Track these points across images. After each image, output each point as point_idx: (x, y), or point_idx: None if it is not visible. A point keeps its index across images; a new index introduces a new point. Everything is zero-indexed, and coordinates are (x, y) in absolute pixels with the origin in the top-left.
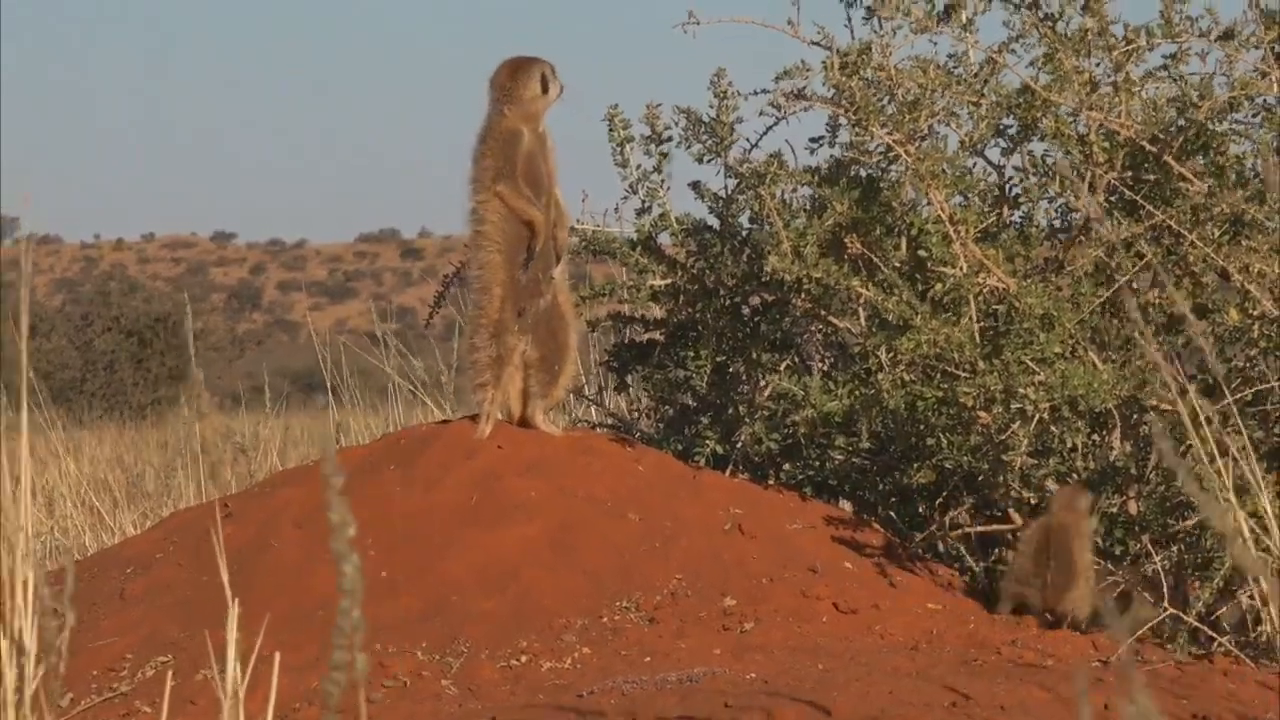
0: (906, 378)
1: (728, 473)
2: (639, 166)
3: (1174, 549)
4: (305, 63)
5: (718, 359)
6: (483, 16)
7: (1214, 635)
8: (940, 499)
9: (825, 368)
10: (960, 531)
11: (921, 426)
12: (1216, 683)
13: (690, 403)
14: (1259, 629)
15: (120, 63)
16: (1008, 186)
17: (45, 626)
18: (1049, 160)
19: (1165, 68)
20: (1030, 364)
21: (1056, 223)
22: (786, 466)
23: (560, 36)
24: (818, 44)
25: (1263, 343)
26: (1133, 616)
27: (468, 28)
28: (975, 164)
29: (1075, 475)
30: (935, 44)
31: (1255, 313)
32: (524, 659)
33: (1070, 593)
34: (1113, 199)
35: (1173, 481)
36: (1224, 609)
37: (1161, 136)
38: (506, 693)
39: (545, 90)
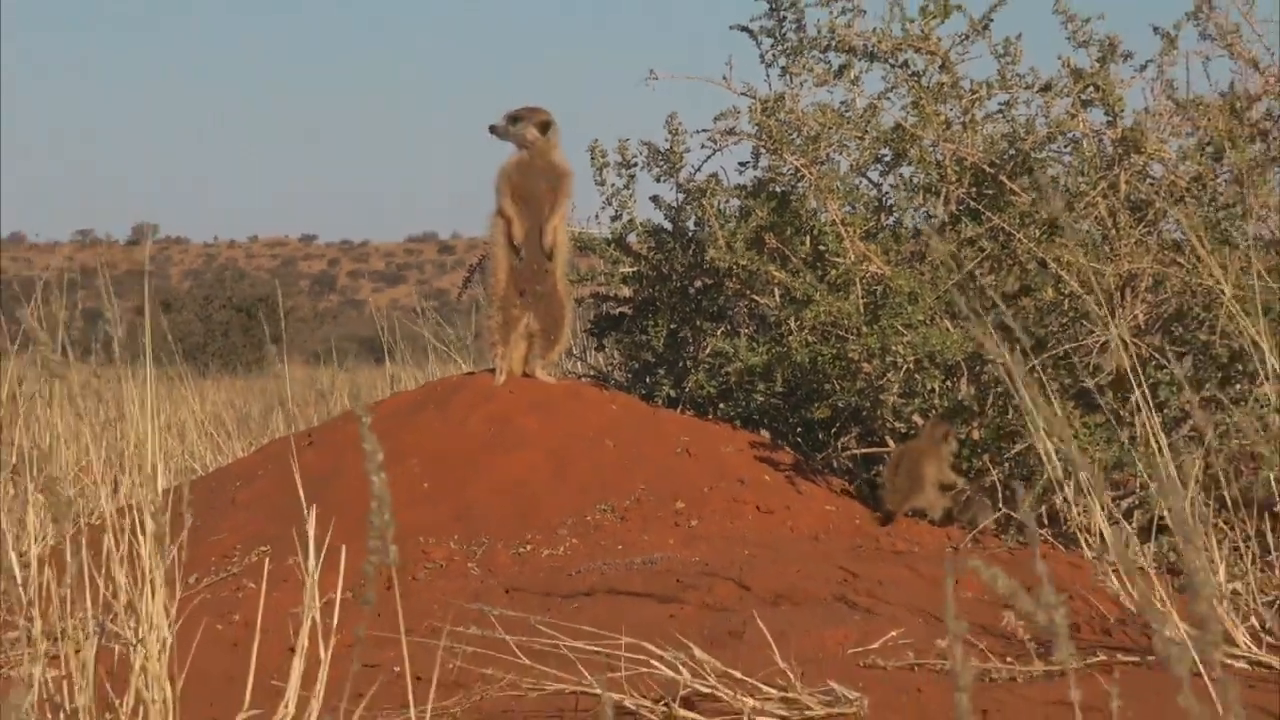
0: (810, 339)
1: (679, 410)
2: (612, 185)
3: (1006, 465)
4: (373, 106)
5: (671, 326)
6: (510, 73)
7: (1037, 527)
8: (834, 429)
9: (750, 332)
10: (849, 453)
11: (820, 375)
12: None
13: (651, 359)
14: (1066, 524)
15: (237, 98)
16: (884, 199)
17: (173, 524)
18: (914, 181)
19: (1001, 111)
20: (900, 329)
21: (920, 225)
22: (722, 405)
23: (569, 84)
24: (745, 94)
25: (1071, 313)
26: (975, 515)
27: (501, 79)
28: (860, 182)
29: (934, 411)
30: (831, 94)
31: (1066, 291)
32: (529, 548)
33: (913, 497)
34: (961, 207)
35: (1004, 415)
36: (1043, 509)
37: (997, 162)
38: (516, 572)
39: (523, 131)
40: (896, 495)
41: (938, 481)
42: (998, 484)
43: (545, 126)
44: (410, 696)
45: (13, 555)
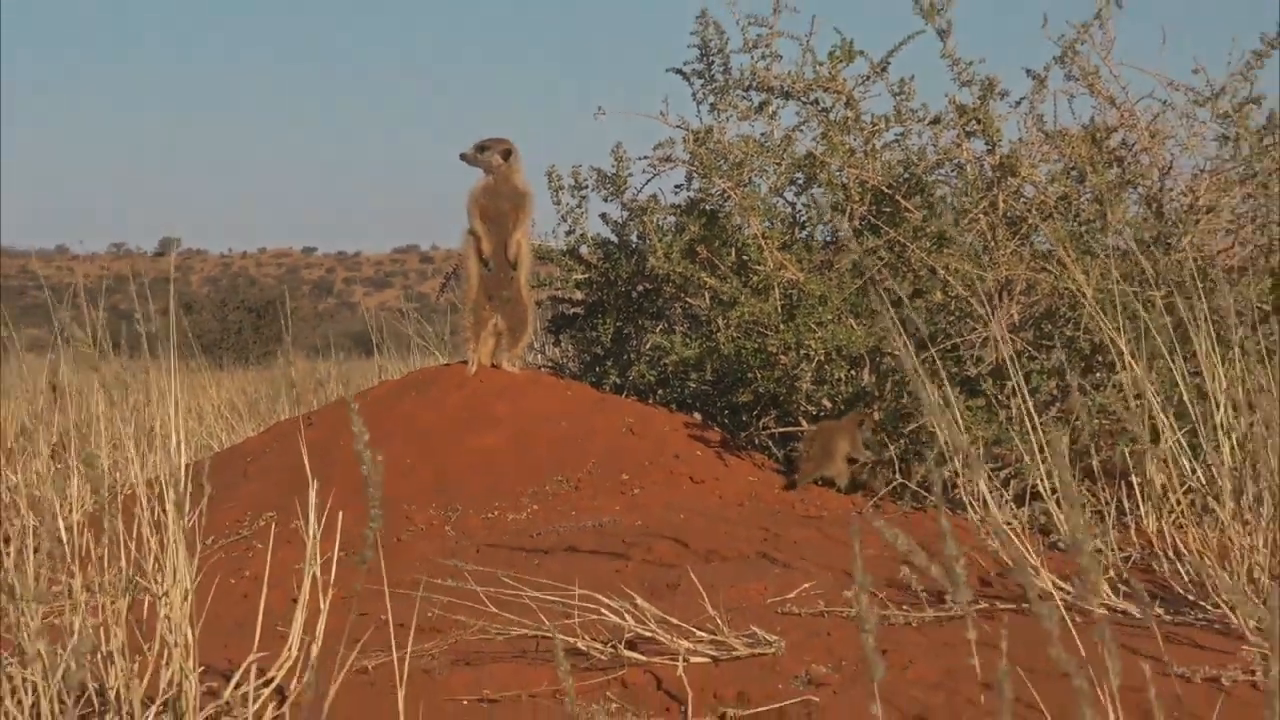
0: (735, 335)
1: (624, 396)
2: (567, 204)
3: (901, 441)
4: (365, 135)
5: (617, 324)
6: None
7: (926, 494)
8: (756, 411)
9: (684, 329)
10: (768, 432)
11: (744, 366)
12: (928, 525)
13: (600, 352)
14: (954, 491)
15: (276, 130)
16: (798, 216)
17: (193, 494)
18: (823, 200)
19: (897, 141)
20: (812, 326)
21: (828, 238)
22: (661, 391)
23: (542, 119)
24: (679, 127)
25: (956, 312)
26: (877, 483)
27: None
28: (778, 201)
29: (841, 395)
30: (753, 126)
31: (952, 294)
32: (496, 513)
33: (824, 466)
34: (863, 223)
35: (900, 399)
36: (933, 479)
37: (894, 184)
38: (485, 534)
39: (489, 158)
40: (810, 464)
41: (847, 455)
42: (895, 456)
43: (508, 154)
44: (394, 640)
45: (59, 521)
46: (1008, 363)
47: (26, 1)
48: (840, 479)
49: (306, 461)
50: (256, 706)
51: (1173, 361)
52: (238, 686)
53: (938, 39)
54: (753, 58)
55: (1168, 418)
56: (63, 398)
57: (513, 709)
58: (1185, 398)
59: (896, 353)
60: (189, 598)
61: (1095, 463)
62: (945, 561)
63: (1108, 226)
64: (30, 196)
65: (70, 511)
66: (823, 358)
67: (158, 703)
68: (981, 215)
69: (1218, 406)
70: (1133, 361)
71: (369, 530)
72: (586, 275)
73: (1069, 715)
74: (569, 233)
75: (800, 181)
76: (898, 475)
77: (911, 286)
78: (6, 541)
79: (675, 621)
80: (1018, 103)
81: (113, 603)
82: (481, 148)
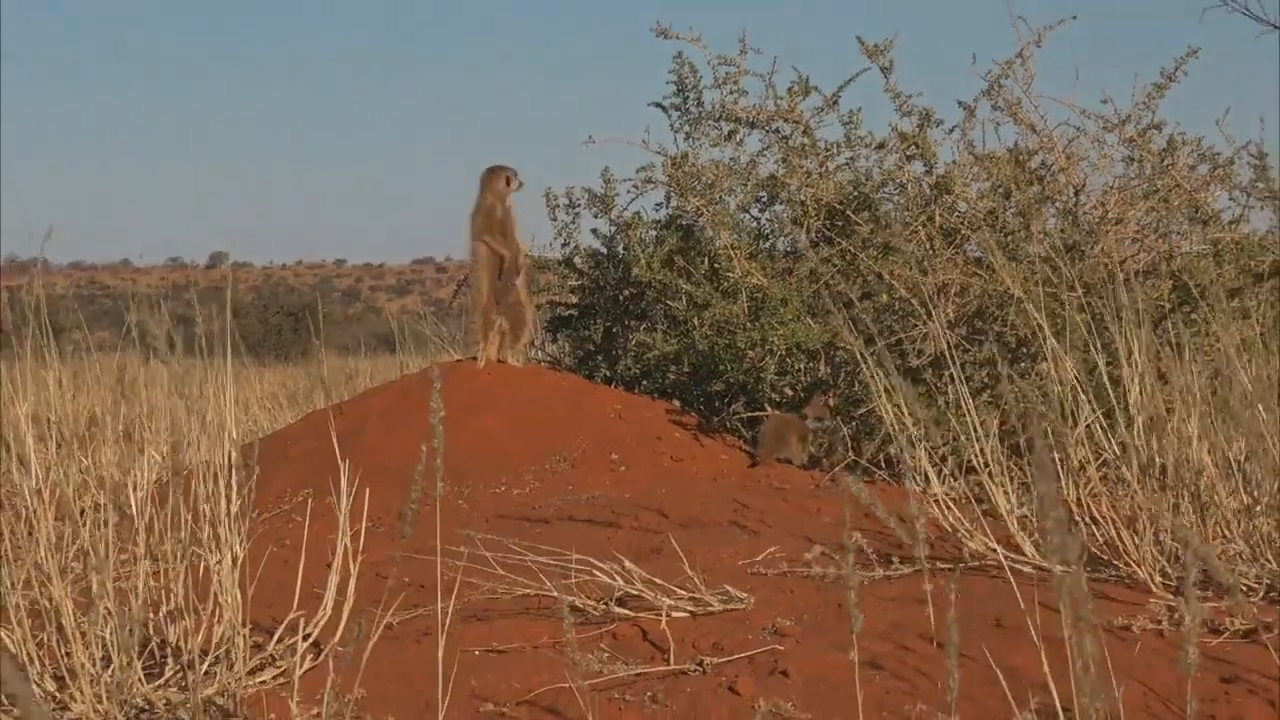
0: (708, 333)
1: (613, 386)
2: (562, 220)
3: (854, 422)
4: (383, 166)
5: (606, 324)
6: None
7: (876, 469)
8: (727, 399)
9: (664, 328)
10: (738, 416)
11: (716, 359)
12: (878, 495)
13: (591, 348)
14: (898, 466)
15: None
16: (762, 229)
17: (242, 475)
18: (783, 216)
19: (847, 164)
20: (775, 325)
21: (789, 249)
22: (644, 382)
23: (537, 144)
24: (659, 153)
25: (900, 312)
26: (833, 459)
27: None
28: (744, 217)
29: (800, 383)
30: (723, 152)
31: (896, 296)
32: (502, 489)
33: (777, 450)
34: (818, 235)
35: (852, 386)
36: (881, 455)
37: (845, 201)
38: (493, 506)
39: (508, 184)
40: (765, 449)
41: (799, 438)
42: (848, 436)
43: (509, 180)
44: (426, 599)
45: (132, 496)
46: (945, 354)
47: (82, 44)
48: (796, 459)
49: (336, 447)
50: (297, 658)
51: (1089, 351)
52: (280, 641)
53: (882, 75)
54: (722, 92)
55: (1088, 399)
56: (130, 390)
57: (518, 658)
58: (1103, 381)
59: (851, 347)
60: (238, 563)
61: (1021, 440)
62: (908, 521)
63: (1030, 236)
64: (95, 214)
65: (135, 489)
66: (784, 352)
67: (211, 655)
68: (921, 227)
69: (1127, 391)
70: (1058, 349)
71: (407, 509)
72: (579, 282)
73: (1002, 660)
74: (564, 245)
75: (764, 200)
76: (850, 452)
77: (861, 290)
78: (82, 514)
79: (659, 581)
80: (951, 130)
81: (173, 568)
82: (491, 173)
